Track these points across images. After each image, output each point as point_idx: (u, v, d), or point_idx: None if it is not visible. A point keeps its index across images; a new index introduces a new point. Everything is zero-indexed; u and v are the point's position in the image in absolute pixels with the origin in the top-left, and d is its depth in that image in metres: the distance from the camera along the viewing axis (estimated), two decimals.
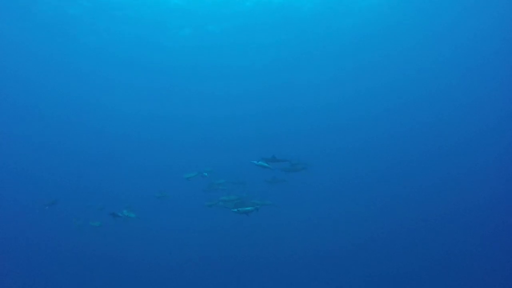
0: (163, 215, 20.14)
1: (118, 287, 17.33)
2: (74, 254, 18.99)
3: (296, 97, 31.17)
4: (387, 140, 28.30)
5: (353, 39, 26.06)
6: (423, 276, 17.05)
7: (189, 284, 17.45)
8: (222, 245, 18.99)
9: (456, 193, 22.06)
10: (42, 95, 30.75)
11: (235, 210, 10.38)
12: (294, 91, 30.96)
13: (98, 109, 32.31)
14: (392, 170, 25.46)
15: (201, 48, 26.62)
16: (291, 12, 22.66)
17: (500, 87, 26.73)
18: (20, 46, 25.20)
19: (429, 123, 27.92)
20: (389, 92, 29.68)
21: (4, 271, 17.81)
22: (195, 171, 13.09)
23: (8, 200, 24.32)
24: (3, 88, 29.42)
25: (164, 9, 21.71)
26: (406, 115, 29.06)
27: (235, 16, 22.83)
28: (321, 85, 30.65)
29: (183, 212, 20.83)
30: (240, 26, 23.85)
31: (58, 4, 20.71)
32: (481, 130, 26.25)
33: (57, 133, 31.34)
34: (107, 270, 18.13)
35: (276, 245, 18.64)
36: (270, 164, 10.75)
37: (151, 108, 32.56)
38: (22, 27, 23.03)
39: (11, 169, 27.69)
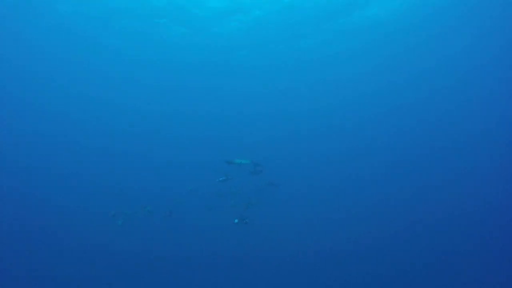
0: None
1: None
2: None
3: (298, 100, 31.19)
4: (385, 141, 28.56)
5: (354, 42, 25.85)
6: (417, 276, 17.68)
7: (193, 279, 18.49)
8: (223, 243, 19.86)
9: (451, 195, 22.35)
10: (65, 96, 31.12)
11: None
12: (295, 94, 30.95)
13: (112, 108, 32.83)
14: (387, 171, 25.81)
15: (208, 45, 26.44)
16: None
17: (495, 90, 26.48)
18: (43, 48, 25.20)
19: (422, 126, 27.97)
20: (386, 95, 29.56)
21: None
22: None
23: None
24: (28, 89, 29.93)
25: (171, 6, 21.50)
26: (402, 117, 29.13)
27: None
28: (322, 88, 30.51)
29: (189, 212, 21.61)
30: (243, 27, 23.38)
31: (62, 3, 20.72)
32: (479, 132, 26.26)
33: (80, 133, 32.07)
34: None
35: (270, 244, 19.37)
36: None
37: (159, 105, 32.90)
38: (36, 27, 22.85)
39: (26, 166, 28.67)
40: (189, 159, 30.92)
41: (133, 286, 17.95)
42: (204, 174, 20.49)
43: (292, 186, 22.17)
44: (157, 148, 32.90)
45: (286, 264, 18.60)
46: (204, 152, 29.62)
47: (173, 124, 33.51)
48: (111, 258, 19.40)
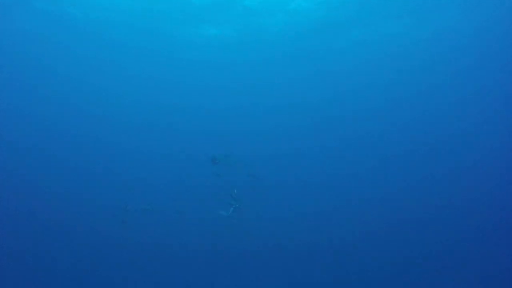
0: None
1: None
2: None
3: (288, 94, 31.17)
4: (378, 135, 28.37)
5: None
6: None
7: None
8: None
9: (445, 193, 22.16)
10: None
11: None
12: (288, 87, 30.92)
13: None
14: (377, 165, 25.74)
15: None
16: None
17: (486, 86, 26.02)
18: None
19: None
20: (380, 89, 29.37)
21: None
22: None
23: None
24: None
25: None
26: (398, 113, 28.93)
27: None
28: (314, 81, 30.35)
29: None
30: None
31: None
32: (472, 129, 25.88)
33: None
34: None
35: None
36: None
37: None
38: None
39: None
40: (191, 154, 31.12)
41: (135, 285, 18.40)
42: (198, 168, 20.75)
43: (277, 180, 22.26)
44: (163, 143, 33.12)
45: (273, 259, 18.79)
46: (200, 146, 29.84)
47: (177, 119, 33.82)
48: (114, 256, 19.78)
